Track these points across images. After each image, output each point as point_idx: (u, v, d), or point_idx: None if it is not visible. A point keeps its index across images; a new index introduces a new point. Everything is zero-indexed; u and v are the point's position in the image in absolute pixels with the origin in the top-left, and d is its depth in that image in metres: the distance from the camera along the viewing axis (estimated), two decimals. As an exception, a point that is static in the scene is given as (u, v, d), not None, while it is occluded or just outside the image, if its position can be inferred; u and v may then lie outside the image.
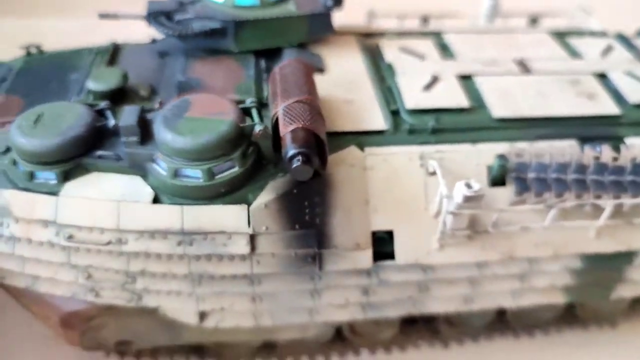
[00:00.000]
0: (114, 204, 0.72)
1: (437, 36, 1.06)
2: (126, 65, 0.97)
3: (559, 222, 0.80)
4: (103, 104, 0.79)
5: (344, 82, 0.92)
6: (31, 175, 0.74)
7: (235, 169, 0.73)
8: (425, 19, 1.15)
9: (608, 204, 0.79)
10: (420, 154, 0.80)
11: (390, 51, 1.00)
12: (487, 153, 0.81)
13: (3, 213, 0.74)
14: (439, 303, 0.88)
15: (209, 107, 0.74)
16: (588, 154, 0.81)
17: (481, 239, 0.80)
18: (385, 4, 1.20)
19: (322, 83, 0.91)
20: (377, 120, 0.84)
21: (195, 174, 0.71)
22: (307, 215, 0.75)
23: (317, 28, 0.98)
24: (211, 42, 0.95)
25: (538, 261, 0.83)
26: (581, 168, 0.80)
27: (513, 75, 0.94)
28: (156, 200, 0.73)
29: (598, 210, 0.80)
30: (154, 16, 0.94)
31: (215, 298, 0.82)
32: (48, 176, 0.74)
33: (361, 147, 0.81)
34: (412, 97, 0.88)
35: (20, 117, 0.76)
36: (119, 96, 0.85)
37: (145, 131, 0.73)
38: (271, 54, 0.96)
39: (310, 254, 0.77)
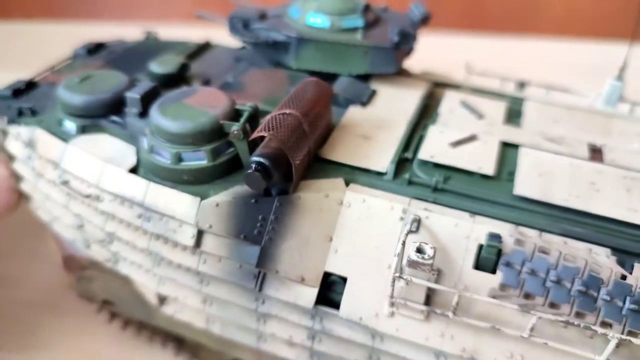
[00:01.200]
0: (101, 164, 0.78)
1: (515, 101, 0.94)
2: (204, 60, 1.05)
3: (542, 339, 0.63)
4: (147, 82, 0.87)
5: (379, 119, 0.87)
6: (59, 123, 0.85)
7: (203, 162, 0.73)
8: (522, 85, 1.02)
9: (614, 336, 0.60)
10: (405, 207, 0.71)
11: (449, 103, 0.91)
12: (484, 229, 0.68)
13: (31, 146, 0.86)
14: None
15: (206, 100, 0.77)
16: (613, 268, 0.63)
17: (441, 323, 0.67)
18: (500, 65, 1.10)
19: (359, 114, 0.88)
20: (381, 161, 0.77)
21: (165, 155, 0.74)
22: (257, 229, 0.72)
23: (380, 63, 0.95)
24: (275, 54, 0.98)
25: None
26: (595, 282, 0.63)
27: (574, 157, 0.78)
28: (134, 171, 0.77)
29: (600, 339, 0.62)
30: (234, 22, 1.00)
31: (171, 285, 0.82)
32: (71, 126, 0.84)
33: (349, 182, 0.75)
34: (432, 148, 0.79)
35: (74, 75, 0.88)
36: (173, 81, 0.93)
37: (146, 107, 0.78)
38: (326, 79, 0.95)
39: (254, 271, 0.73)
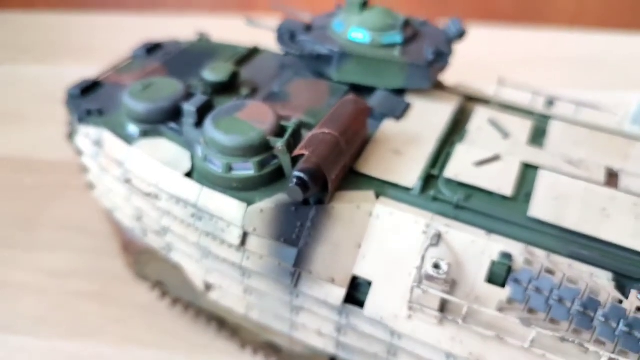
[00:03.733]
0: (160, 166, 0.89)
1: (542, 119, 1.00)
2: (252, 66, 1.14)
3: (541, 351, 0.71)
4: (200, 92, 0.97)
5: (411, 134, 0.94)
6: (123, 126, 0.95)
7: (251, 172, 0.83)
8: (551, 102, 1.07)
9: (605, 355, 0.67)
10: (427, 222, 0.79)
11: (478, 120, 0.98)
12: (498, 247, 0.76)
13: (99, 145, 0.97)
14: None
15: (255, 114, 0.86)
16: (611, 292, 0.70)
17: (452, 328, 0.76)
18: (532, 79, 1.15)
19: (393, 128, 0.95)
20: (409, 177, 0.85)
21: (217, 164, 0.83)
22: (296, 234, 0.81)
23: (415, 79, 1.01)
24: (317, 66, 1.06)
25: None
26: (593, 303, 0.70)
27: (589, 182, 0.84)
28: (189, 175, 0.87)
29: (593, 355, 0.69)
30: (281, 33, 1.08)
31: (217, 275, 0.93)
32: (134, 130, 0.94)
33: (379, 195, 0.83)
34: (457, 167, 0.86)
35: (138, 82, 0.98)
36: (224, 89, 1.03)
37: (202, 118, 0.88)
38: (365, 91, 1.03)
39: (291, 270, 0.83)
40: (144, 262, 1.09)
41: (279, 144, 0.81)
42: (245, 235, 0.84)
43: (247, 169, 0.83)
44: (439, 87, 1.08)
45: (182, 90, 0.96)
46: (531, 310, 0.72)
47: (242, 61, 1.15)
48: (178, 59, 1.17)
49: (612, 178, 0.86)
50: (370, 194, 0.83)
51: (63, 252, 1.31)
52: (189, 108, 0.89)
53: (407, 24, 1.06)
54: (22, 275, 1.26)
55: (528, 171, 0.87)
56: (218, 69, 1.04)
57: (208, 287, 0.98)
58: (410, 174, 0.86)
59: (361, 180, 0.86)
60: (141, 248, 1.06)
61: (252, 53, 1.19)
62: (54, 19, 2.31)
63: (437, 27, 1.11)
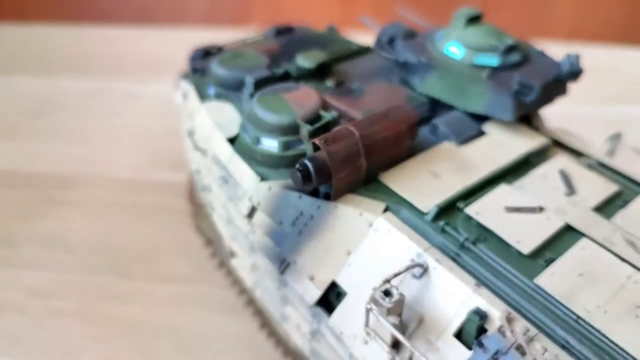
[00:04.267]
0: (212, 126, 0.95)
1: (632, 188, 0.82)
2: (355, 63, 1.14)
3: None
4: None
5: (464, 162, 0.86)
6: (207, 87, 1.04)
7: (275, 150, 0.84)
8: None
9: None
10: (419, 251, 0.72)
11: (549, 167, 0.85)
12: (481, 302, 0.66)
13: (185, 97, 1.07)
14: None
15: (300, 98, 0.87)
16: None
17: (403, 372, 0.68)
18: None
19: (445, 151, 0.88)
20: (430, 202, 0.78)
21: (249, 135, 0.87)
22: (295, 222, 0.80)
23: (496, 107, 0.91)
24: (406, 73, 1.02)
25: None
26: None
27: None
28: (233, 140, 0.92)
29: None
30: (381, 35, 1.06)
31: (236, 243, 0.97)
32: (211, 91, 1.03)
33: (389, 209, 0.78)
34: (485, 206, 0.76)
35: (230, 51, 1.06)
36: (311, 75, 1.06)
37: (258, 90, 0.92)
38: (445, 108, 0.96)
39: (282, 255, 0.82)
40: (201, 216, 1.18)
41: (305, 129, 0.81)
42: (253, 209, 0.86)
43: (272, 147, 0.85)
44: (530, 124, 0.95)
45: (264, 65, 1.01)
46: (487, 387, 0.61)
47: (349, 57, 1.16)
48: (296, 43, 1.23)
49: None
50: (380, 205, 0.78)
51: (44, 270, 1.24)
52: (249, 79, 0.93)
53: (514, 48, 0.96)
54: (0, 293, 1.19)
55: (569, 236, 0.73)
56: (310, 56, 1.07)
57: (232, 253, 1.02)
58: (432, 199, 0.78)
59: (382, 190, 0.81)
60: (199, 201, 1.15)
61: (363, 51, 1.19)
62: (47, 31, 2.24)
63: (553, 60, 0.98)
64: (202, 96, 1.03)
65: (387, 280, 0.67)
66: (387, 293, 0.64)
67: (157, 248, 1.28)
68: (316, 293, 0.78)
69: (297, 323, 0.86)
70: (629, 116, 1.49)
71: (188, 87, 1.07)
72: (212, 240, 1.19)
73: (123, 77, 1.94)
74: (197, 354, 1.08)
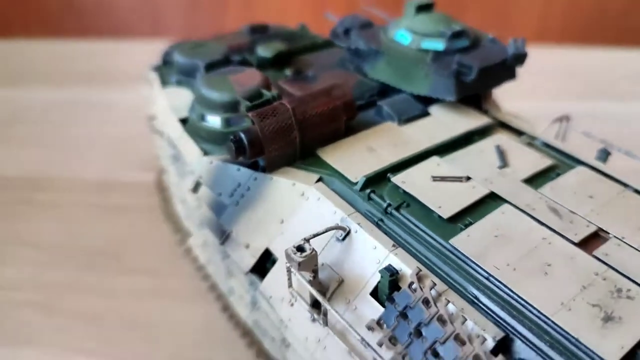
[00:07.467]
0: (167, 108, 0.99)
1: (568, 164, 0.83)
2: (316, 55, 1.18)
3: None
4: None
5: (401, 138, 0.88)
6: (169, 75, 1.09)
7: (218, 126, 0.88)
8: (606, 153, 0.88)
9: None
10: (343, 216, 0.73)
11: (486, 143, 0.86)
12: (396, 262, 0.67)
13: (150, 85, 1.12)
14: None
15: (245, 79, 0.91)
16: (478, 350, 0.57)
17: (320, 330, 0.69)
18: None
19: (386, 129, 0.91)
20: (360, 173, 0.80)
21: (195, 112, 0.90)
22: (233, 194, 0.83)
23: (439, 88, 0.93)
24: (358, 61, 1.05)
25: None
26: (449, 352, 0.58)
27: (558, 235, 0.68)
28: (184, 122, 0.95)
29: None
30: (337, 26, 1.10)
31: (189, 222, 1.00)
32: (173, 79, 1.07)
33: (321, 180, 0.80)
34: (412, 176, 0.78)
35: (190, 42, 1.10)
36: (270, 64, 1.09)
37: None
38: (393, 92, 0.99)
39: (223, 227, 0.85)
40: (167, 200, 1.21)
41: (244, 105, 0.84)
42: (198, 184, 0.89)
43: (215, 123, 0.88)
44: (478, 105, 0.97)
45: (221, 54, 1.05)
46: (393, 338, 0.63)
47: (310, 49, 1.19)
48: (267, 39, 1.27)
49: (595, 239, 0.68)
50: (313, 176, 0.81)
51: (11, 266, 1.25)
52: (200, 63, 0.97)
53: (462, 34, 0.98)
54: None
55: (492, 203, 0.74)
56: (269, 46, 1.11)
57: (189, 232, 1.05)
58: (363, 171, 0.80)
59: (318, 163, 0.83)
60: (164, 185, 1.19)
61: (326, 45, 1.22)
62: (22, 45, 2.31)
63: (504, 46, 1.00)
64: (165, 84, 1.08)
65: (306, 240, 0.69)
66: (299, 249, 0.66)
67: (124, 244, 1.29)
68: (251, 260, 0.80)
69: (240, 294, 0.88)
70: (593, 111, 1.54)
71: (153, 77, 1.12)
72: (179, 226, 1.22)
73: (95, 88, 2.00)
74: (162, 342, 1.08)
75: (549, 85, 1.86)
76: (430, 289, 0.63)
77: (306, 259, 0.65)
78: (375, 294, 0.67)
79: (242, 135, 0.78)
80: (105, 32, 2.35)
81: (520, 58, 0.96)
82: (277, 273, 0.77)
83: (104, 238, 1.31)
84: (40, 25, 2.40)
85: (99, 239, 1.31)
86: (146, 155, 1.55)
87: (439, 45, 0.97)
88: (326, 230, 0.70)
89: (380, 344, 0.61)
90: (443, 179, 0.77)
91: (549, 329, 0.58)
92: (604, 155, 0.88)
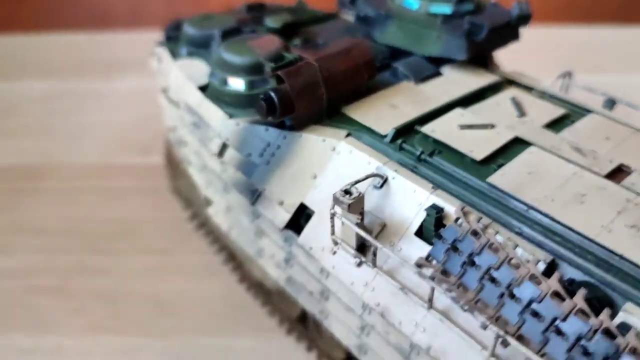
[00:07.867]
0: (184, 79, 0.99)
1: (579, 112, 0.88)
2: (323, 26, 1.20)
3: (440, 315, 0.64)
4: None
5: (420, 95, 0.91)
6: (180, 48, 1.09)
7: (242, 89, 0.89)
8: (612, 102, 0.93)
9: (502, 335, 0.58)
10: (379, 165, 0.76)
11: (501, 96, 0.90)
12: (438, 202, 0.70)
13: (159, 61, 1.12)
14: (337, 327, 0.82)
15: (264, 44, 0.92)
16: (532, 269, 0.60)
17: (368, 273, 0.72)
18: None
19: (404, 88, 0.94)
20: (388, 126, 0.82)
21: (217, 77, 0.91)
22: (262, 154, 0.84)
23: (451, 49, 0.97)
24: (367, 28, 1.08)
25: (417, 347, 0.68)
26: (505, 277, 0.61)
27: (586, 170, 0.72)
28: (203, 89, 0.96)
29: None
30: (344, -5, 1.12)
31: (211, 188, 1.00)
32: (183, 51, 1.07)
33: (350, 135, 0.82)
34: (440, 126, 0.81)
35: (201, 14, 1.11)
36: (279, 35, 1.10)
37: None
38: (404, 56, 1.01)
39: (253, 187, 0.86)
40: (178, 176, 1.21)
41: (268, 66, 0.85)
42: (224, 147, 0.89)
43: (238, 86, 0.89)
44: (484, 65, 1.01)
45: (231, 25, 1.06)
46: (445, 272, 0.65)
47: (316, 21, 1.21)
48: (266, 14, 1.28)
49: (620, 173, 0.73)
50: (342, 132, 0.83)
51: (20, 253, 1.25)
52: (217, 32, 0.98)
53: (467, -1, 1.02)
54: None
55: (519, 146, 0.78)
56: (277, 17, 1.12)
57: (207, 201, 1.05)
58: (390, 124, 0.83)
59: (344, 120, 0.86)
60: (176, 160, 1.19)
61: (330, 17, 1.25)
62: (9, 39, 2.29)
63: (506, 9, 1.04)
64: (175, 56, 1.08)
65: (350, 185, 0.71)
66: (347, 192, 0.68)
67: (133, 225, 1.29)
68: (286, 216, 0.82)
69: (271, 254, 0.89)
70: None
71: (162, 52, 1.12)
72: (190, 201, 1.22)
73: (85, 78, 1.98)
74: (183, 317, 1.09)
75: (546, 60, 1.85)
76: (478, 221, 0.66)
77: (355, 201, 0.68)
78: (419, 234, 0.70)
79: (273, 94, 0.79)
80: (87, 24, 2.32)
81: (524, 19, 1.00)
82: (314, 225, 0.79)
83: (112, 220, 1.30)
84: (26, 18, 2.38)
85: (107, 222, 1.30)
86: (143, 140, 1.54)
87: (447, 9, 1.00)
88: (366, 177, 0.73)
89: (432, 278, 0.64)
90: (470, 126, 0.81)
91: (593, 250, 0.62)
92: (610, 104, 0.93)
